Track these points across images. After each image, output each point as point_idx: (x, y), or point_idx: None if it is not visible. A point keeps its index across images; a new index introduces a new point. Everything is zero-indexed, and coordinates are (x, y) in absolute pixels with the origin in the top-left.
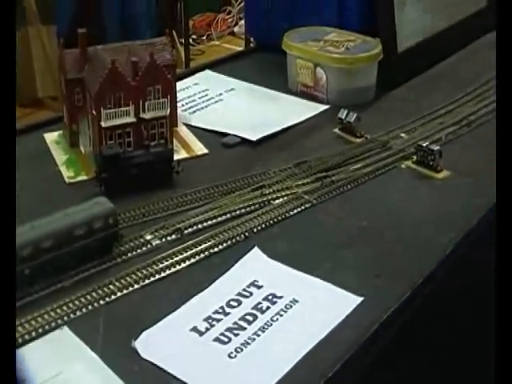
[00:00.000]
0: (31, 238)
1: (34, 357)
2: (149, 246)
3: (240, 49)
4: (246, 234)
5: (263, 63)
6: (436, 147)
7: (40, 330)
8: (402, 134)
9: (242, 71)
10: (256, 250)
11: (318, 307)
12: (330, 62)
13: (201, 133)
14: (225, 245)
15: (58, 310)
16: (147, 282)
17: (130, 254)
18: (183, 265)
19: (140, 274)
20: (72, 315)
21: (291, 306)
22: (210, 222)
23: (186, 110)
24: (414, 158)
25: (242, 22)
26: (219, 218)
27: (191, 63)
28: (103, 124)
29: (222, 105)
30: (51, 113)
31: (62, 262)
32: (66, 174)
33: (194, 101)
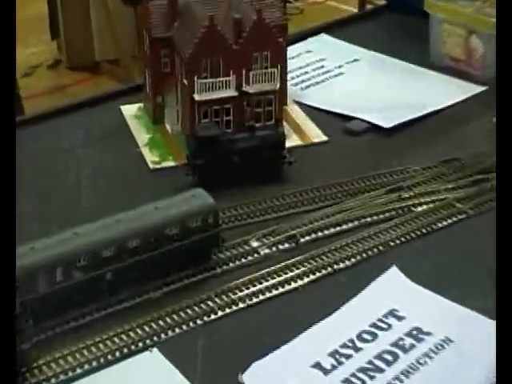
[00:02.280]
0: (115, 234)
1: (115, 381)
2: (256, 255)
3: (351, 8)
4: (381, 247)
5: (396, 28)
6: None
7: (125, 350)
8: None
9: (368, 37)
10: (394, 269)
11: (479, 350)
12: (489, 29)
13: (317, 114)
14: (353, 260)
15: (146, 328)
16: (255, 300)
17: (232, 264)
18: (300, 282)
19: (246, 290)
20: (163, 335)
21: (443, 347)
22: (333, 230)
23: (296, 85)
24: None
25: None
26: (344, 226)
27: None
28: (197, 97)
29: (343, 80)
30: (111, 79)
31: (151, 268)
32: (150, 157)
33: (306, 73)
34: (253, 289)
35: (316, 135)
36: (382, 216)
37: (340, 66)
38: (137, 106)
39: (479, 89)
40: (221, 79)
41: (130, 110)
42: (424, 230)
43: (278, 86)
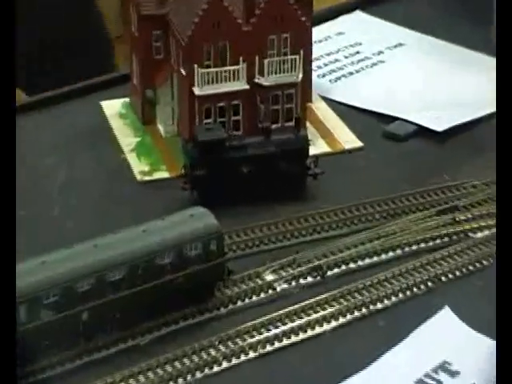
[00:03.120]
0: (93, 263)
1: None
2: (271, 291)
3: None
4: (430, 283)
5: (451, 3)
6: None
7: None
8: None
9: (414, 15)
10: (446, 310)
11: None
12: None
13: (349, 114)
14: (394, 299)
15: (132, 382)
16: (269, 348)
17: (241, 303)
18: (326, 326)
19: (258, 336)
20: None
21: None
22: (368, 261)
23: (324, 76)
24: None
25: None
26: (383, 256)
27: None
28: (197, 91)
29: (384, 70)
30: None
31: (138, 306)
32: (137, 167)
33: (337, 61)
34: (266, 334)
35: (348, 140)
36: (431, 243)
37: (380, 53)
38: (121, 101)
39: None
40: (228, 68)
41: (112, 107)
42: (484, 262)
43: (299, 77)
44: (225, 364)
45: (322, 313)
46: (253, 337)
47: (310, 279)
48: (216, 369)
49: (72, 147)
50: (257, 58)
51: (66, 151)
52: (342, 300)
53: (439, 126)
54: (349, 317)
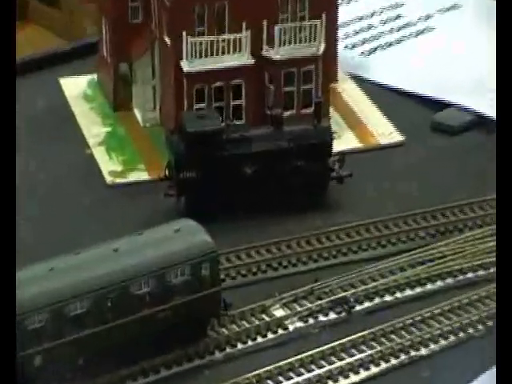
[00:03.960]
0: (48, 293)
1: None
2: (280, 330)
3: None
4: (489, 322)
5: None
6: None
7: None
8: None
9: None
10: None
11: None
12: None
13: (386, 97)
14: (443, 342)
15: None
16: None
17: (241, 345)
18: (354, 378)
19: None
20: None
21: None
22: (409, 292)
23: (353, 48)
24: None
25: None
26: (429, 286)
27: None
28: (186, 66)
29: (434, 39)
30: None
31: (106, 350)
32: (107, 165)
33: (371, 28)
34: None
35: (385, 133)
36: (491, 270)
37: (427, 17)
38: (86, 78)
39: None
40: (226, 37)
41: (74, 86)
42: None
43: (321, 49)
44: None
45: (348, 360)
46: None
47: (332, 316)
48: None
49: (22, 140)
50: (265, 23)
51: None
52: (374, 343)
53: None
54: (383, 365)
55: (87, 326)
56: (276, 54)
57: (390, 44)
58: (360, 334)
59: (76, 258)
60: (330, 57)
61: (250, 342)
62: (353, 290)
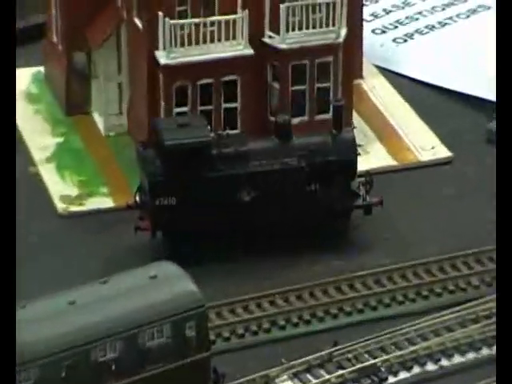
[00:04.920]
0: None
1: None
2: None
3: None
4: None
5: None
6: None
7: None
8: None
9: None
10: None
11: None
12: None
13: (428, 98)
14: None
15: None
16: None
17: None
18: None
19: None
20: None
21: None
22: (458, 359)
23: (384, 33)
24: None
25: None
26: (484, 350)
27: None
28: (164, 58)
29: (489, 22)
30: None
31: None
32: (58, 188)
33: (407, 6)
34: None
35: (427, 146)
36: None
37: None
38: (30, 72)
39: None
40: (216, 19)
41: (18, 81)
42: None
43: (342, 34)
44: None
45: None
46: None
47: None
48: None
49: None
50: (266, 2)
51: None
52: None
53: None
54: None
55: None
56: (282, 41)
57: (432, 27)
58: None
59: (20, 314)
60: (353, 45)
61: None
62: (384, 357)
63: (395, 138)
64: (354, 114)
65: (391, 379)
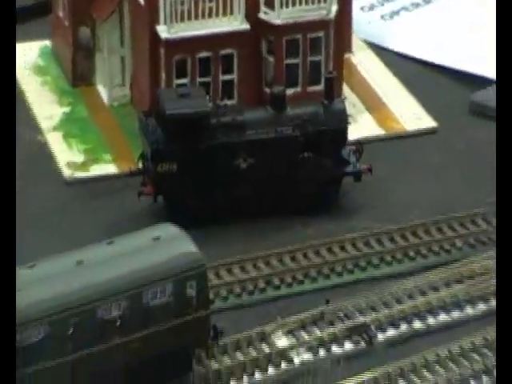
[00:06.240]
0: None
1: None
2: (284, 363)
3: None
4: None
5: None
6: None
7: None
8: None
9: None
10: None
11: None
12: None
13: (414, 72)
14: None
15: None
16: None
17: (235, 383)
18: None
19: None
20: None
21: None
22: (443, 318)
23: (372, 9)
24: None
25: None
26: (469, 309)
27: None
28: (164, 32)
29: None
30: None
31: None
32: (65, 155)
33: None
34: None
35: (413, 117)
36: None
37: None
38: (38, 46)
39: None
40: None
41: (23, 54)
42: None
43: (333, 10)
44: None
45: None
46: None
47: (349, 346)
48: None
49: None
50: None
51: None
52: (401, 382)
53: None
54: None
55: (43, 358)
56: (277, 17)
57: (418, 4)
58: (383, 371)
59: (30, 274)
60: (343, 21)
61: (245, 379)
62: (375, 315)
63: (383, 109)
64: (344, 86)
65: (380, 336)
